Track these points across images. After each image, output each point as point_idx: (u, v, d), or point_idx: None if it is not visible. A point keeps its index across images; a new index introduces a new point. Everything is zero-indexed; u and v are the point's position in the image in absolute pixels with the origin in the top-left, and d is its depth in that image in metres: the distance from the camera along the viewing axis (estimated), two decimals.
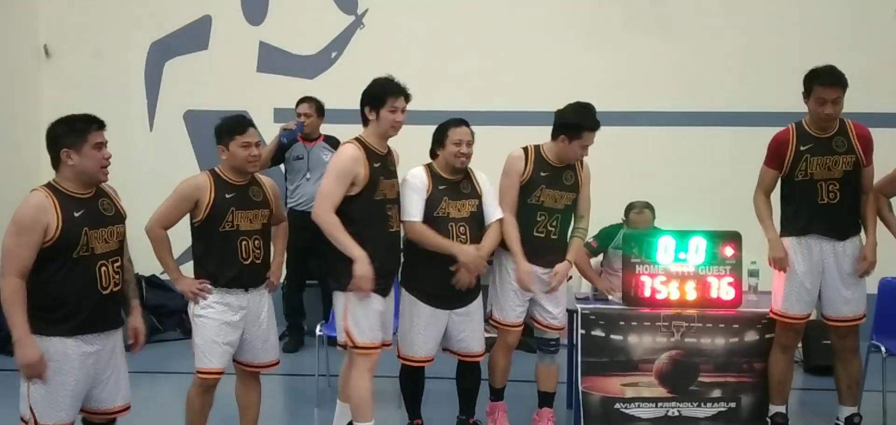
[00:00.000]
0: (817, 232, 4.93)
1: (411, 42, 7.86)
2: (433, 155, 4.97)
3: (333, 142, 7.55)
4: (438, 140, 4.93)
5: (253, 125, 4.55)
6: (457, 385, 5.19)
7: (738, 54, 7.68)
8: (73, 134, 3.80)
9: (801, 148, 4.90)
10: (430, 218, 4.81)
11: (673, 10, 7.76)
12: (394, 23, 7.93)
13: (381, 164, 4.66)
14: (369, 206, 4.59)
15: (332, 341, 5.00)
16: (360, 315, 4.60)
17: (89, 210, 3.82)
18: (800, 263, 4.96)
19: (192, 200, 4.43)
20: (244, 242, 4.47)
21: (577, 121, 5.02)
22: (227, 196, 4.45)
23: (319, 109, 7.24)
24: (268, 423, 5.26)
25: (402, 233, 4.90)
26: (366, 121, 4.69)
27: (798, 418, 5.60)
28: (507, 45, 7.84)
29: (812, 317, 5.12)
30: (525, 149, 5.12)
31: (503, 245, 5.09)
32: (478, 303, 5.03)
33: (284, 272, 5.35)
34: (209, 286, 4.45)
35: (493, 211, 4.99)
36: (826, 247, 4.93)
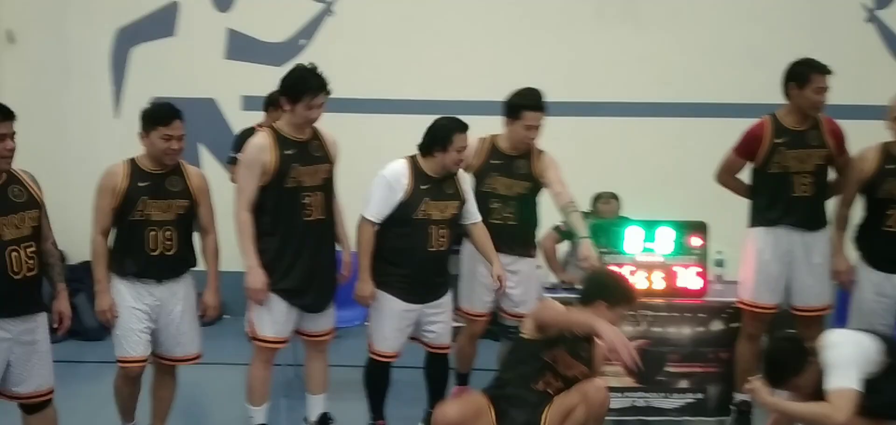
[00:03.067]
0: (790, 223, 4.98)
1: (381, 30, 7.83)
2: (428, 152, 4.81)
3: None
4: (440, 141, 4.75)
5: (180, 117, 4.49)
6: (426, 377, 5.18)
7: (706, 46, 7.72)
8: None
9: (777, 141, 4.94)
10: (408, 220, 4.73)
11: (643, 1, 7.78)
12: (363, 11, 7.88)
13: (297, 151, 4.58)
14: (280, 195, 4.57)
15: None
16: (263, 307, 4.64)
17: None
18: (769, 253, 5.01)
19: (110, 191, 4.44)
20: (152, 232, 4.44)
21: (517, 102, 5.05)
22: (140, 184, 4.43)
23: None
24: (235, 412, 5.24)
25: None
26: (282, 108, 4.64)
27: None
28: (478, 35, 7.82)
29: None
30: (481, 139, 5.13)
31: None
32: (449, 295, 5.02)
33: None
34: (115, 312, 4.46)
35: (474, 213, 4.98)
36: (795, 238, 4.99)
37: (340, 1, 7.89)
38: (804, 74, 4.89)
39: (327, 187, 4.72)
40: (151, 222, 4.43)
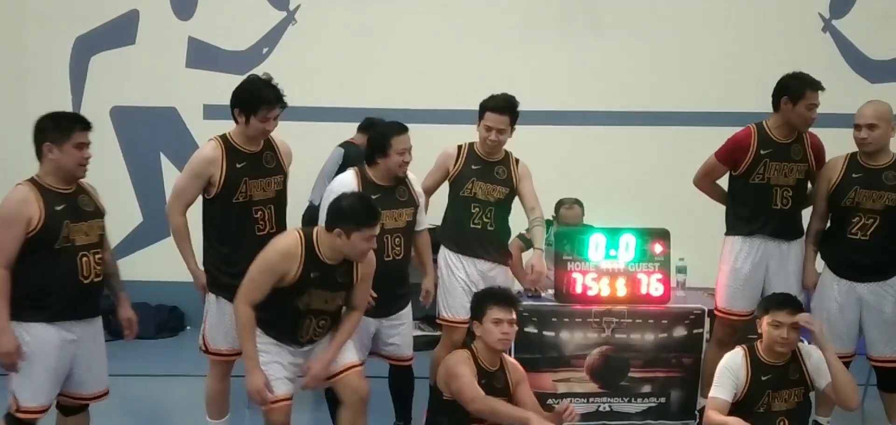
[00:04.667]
0: (768, 234, 5.02)
1: (344, 38, 7.81)
2: (371, 162, 4.81)
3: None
4: (379, 147, 4.75)
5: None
6: (391, 390, 5.16)
7: (667, 56, 7.80)
8: (58, 130, 4.01)
9: (762, 151, 4.95)
10: None
11: (604, 11, 7.85)
12: (326, 19, 7.87)
13: (249, 164, 4.47)
14: (229, 209, 4.46)
15: None
16: (215, 320, 4.56)
17: (70, 205, 4.02)
18: (745, 261, 5.06)
19: (279, 272, 4.13)
20: (308, 320, 4.26)
21: (482, 104, 5.09)
22: (313, 275, 4.16)
23: None
24: None
25: None
26: (235, 120, 4.53)
27: None
28: (441, 43, 7.84)
29: None
30: (459, 146, 5.16)
31: (448, 245, 5.15)
32: (408, 309, 4.98)
33: None
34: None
35: (421, 220, 4.98)
36: (771, 247, 5.03)
37: (303, 9, 7.87)
38: (799, 90, 4.88)
39: (279, 200, 4.62)
40: (312, 310, 4.23)
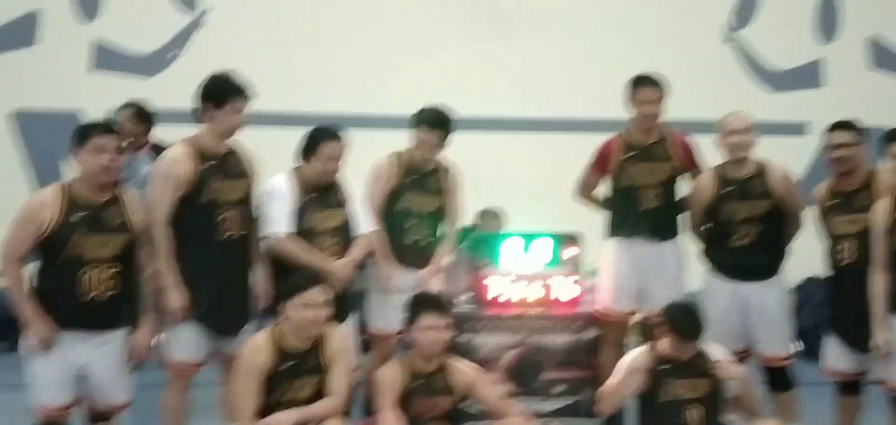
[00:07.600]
0: (641, 235, 5.15)
1: (254, 42, 7.71)
2: (303, 161, 4.67)
3: (160, 150, 7.21)
4: (308, 148, 4.63)
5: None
6: None
7: (575, 62, 7.94)
8: (77, 135, 3.96)
9: (624, 156, 5.13)
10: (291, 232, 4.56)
11: (514, 16, 7.92)
12: (235, 22, 7.75)
13: (216, 165, 4.40)
14: (195, 210, 4.35)
15: None
16: (178, 328, 4.42)
17: (92, 215, 3.94)
18: (621, 263, 5.19)
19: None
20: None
21: (415, 120, 5.04)
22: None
23: (140, 115, 6.67)
24: None
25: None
26: (202, 118, 4.45)
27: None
28: (351, 48, 7.80)
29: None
30: (389, 157, 5.08)
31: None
32: (350, 320, 4.81)
33: None
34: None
35: (363, 221, 4.82)
36: (646, 248, 5.17)
37: (212, 12, 7.73)
38: (631, 89, 5.10)
39: (246, 203, 4.51)
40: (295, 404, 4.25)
